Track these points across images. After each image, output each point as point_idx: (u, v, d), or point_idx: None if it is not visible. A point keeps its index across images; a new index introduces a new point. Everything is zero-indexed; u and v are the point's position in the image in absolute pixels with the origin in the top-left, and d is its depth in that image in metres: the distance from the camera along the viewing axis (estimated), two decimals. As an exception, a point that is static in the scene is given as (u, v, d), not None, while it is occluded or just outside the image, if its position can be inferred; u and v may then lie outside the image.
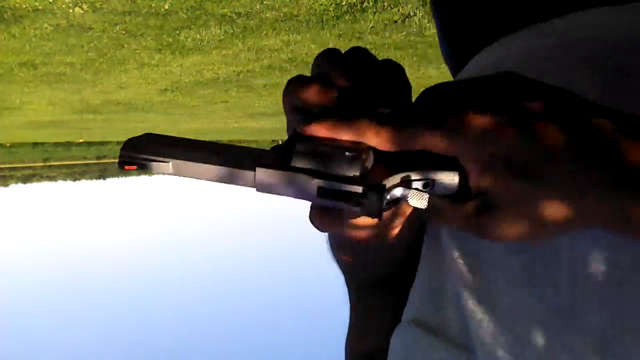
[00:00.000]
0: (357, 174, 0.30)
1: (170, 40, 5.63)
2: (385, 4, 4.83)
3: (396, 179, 0.31)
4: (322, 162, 0.30)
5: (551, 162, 0.26)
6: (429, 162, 0.30)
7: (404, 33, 5.52)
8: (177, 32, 5.37)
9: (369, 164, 0.31)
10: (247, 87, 8.82)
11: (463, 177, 0.30)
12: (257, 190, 0.32)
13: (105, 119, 13.43)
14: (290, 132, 0.35)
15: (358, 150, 0.30)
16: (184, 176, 0.34)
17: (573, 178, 0.26)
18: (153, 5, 4.67)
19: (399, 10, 4.97)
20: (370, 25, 5.31)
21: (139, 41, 5.67)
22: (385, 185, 0.30)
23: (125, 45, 5.83)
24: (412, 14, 5.01)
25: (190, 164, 0.33)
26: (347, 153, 0.30)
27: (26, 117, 12.67)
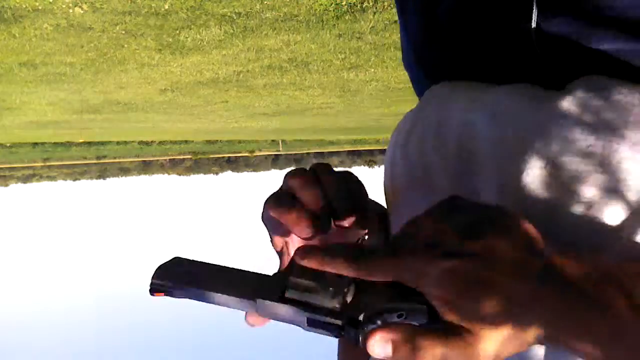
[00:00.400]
0: (338, 306, 0.36)
1: (170, 40, 5.63)
2: (385, 4, 4.83)
3: (374, 308, 0.35)
4: (310, 294, 0.37)
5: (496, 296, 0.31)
6: (403, 293, 0.35)
7: (404, 33, 5.52)
8: (177, 32, 5.37)
9: (350, 295, 0.37)
10: (247, 87, 8.82)
11: (431, 309, 0.34)
12: (260, 315, 0.39)
13: (105, 119, 13.43)
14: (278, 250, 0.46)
15: (341, 282, 0.36)
16: (205, 302, 0.41)
17: (521, 299, 0.31)
18: (153, 5, 4.67)
19: (399, 10, 4.97)
20: (370, 25, 5.31)
21: (139, 41, 5.67)
22: (359, 321, 0.35)
23: (125, 45, 5.83)
24: (412, 14, 5.01)
25: (208, 296, 0.40)
26: (330, 288, 0.36)
27: (26, 117, 12.67)
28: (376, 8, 4.91)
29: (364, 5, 4.87)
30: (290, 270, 0.38)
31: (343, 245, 0.39)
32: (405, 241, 0.36)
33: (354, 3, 4.85)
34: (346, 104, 11.53)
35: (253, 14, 4.93)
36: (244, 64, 6.88)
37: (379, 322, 0.35)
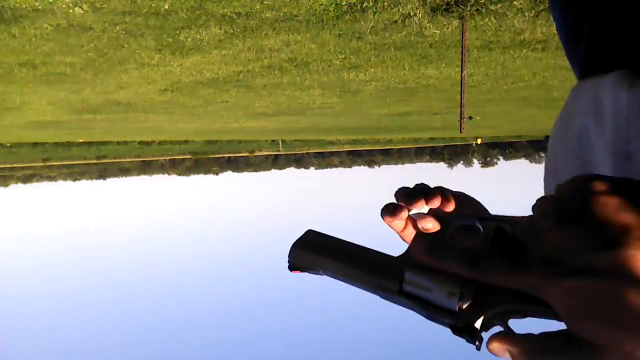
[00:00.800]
0: (455, 307, 0.36)
1: (170, 40, 5.62)
2: (385, 4, 4.83)
3: (493, 310, 0.35)
4: (427, 292, 0.38)
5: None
6: (523, 297, 0.34)
7: (404, 33, 5.52)
8: (177, 32, 5.37)
9: (468, 295, 0.36)
10: (247, 87, 8.82)
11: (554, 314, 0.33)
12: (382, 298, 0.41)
13: (105, 119, 13.43)
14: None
15: (459, 282, 0.36)
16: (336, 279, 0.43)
17: None
18: (153, 5, 4.67)
19: (399, 10, 4.97)
20: (370, 25, 5.30)
21: (139, 41, 5.67)
22: (475, 327, 0.35)
23: (125, 45, 5.83)
24: (412, 14, 5.00)
25: (340, 273, 0.42)
26: (447, 287, 0.36)
27: (26, 117, 12.67)
28: (376, 8, 4.91)
29: (364, 5, 4.86)
30: (408, 260, 0.40)
31: (459, 249, 0.38)
32: (529, 241, 0.35)
33: (354, 3, 4.85)
34: (346, 104, 11.53)
35: (253, 14, 4.93)
36: (244, 64, 6.88)
37: (499, 326, 0.35)
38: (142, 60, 6.54)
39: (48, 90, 8.68)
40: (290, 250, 0.45)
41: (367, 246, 0.44)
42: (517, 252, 0.35)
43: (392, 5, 4.87)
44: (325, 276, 0.44)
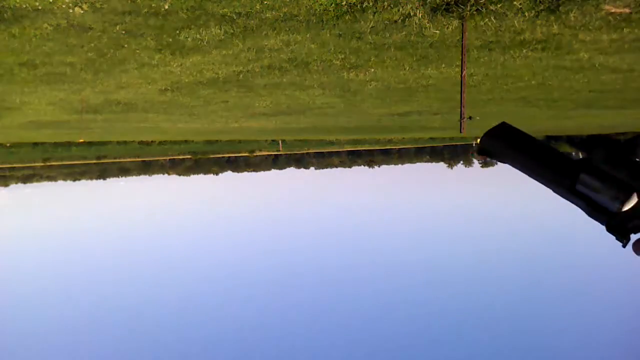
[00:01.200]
0: (614, 210, 0.45)
1: (170, 40, 5.62)
2: (385, 4, 4.82)
3: None
4: (596, 193, 0.46)
5: None
6: None
7: (404, 33, 5.52)
8: (177, 32, 5.36)
9: (631, 203, 0.45)
10: (247, 87, 8.81)
11: None
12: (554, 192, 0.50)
13: (105, 119, 13.42)
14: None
15: (626, 189, 0.45)
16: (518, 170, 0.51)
17: None
18: (153, 5, 4.67)
19: (399, 10, 4.97)
20: (370, 25, 5.30)
21: (139, 41, 5.66)
22: (627, 228, 0.45)
23: (125, 45, 5.83)
24: (412, 14, 5.00)
25: (522, 166, 0.51)
26: (612, 192, 0.45)
27: (26, 117, 12.66)
28: (376, 8, 4.90)
29: (364, 5, 4.86)
30: (585, 163, 0.48)
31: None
32: None
33: (354, 3, 4.84)
34: (346, 104, 11.52)
35: (253, 14, 4.93)
36: (244, 64, 6.87)
37: None
38: (142, 60, 6.53)
39: (48, 90, 8.68)
40: (483, 137, 0.53)
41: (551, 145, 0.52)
42: None
43: (392, 5, 4.86)
44: (511, 163, 0.52)
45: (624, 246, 0.45)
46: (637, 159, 0.50)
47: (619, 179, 0.46)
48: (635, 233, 0.46)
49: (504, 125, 0.53)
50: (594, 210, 0.47)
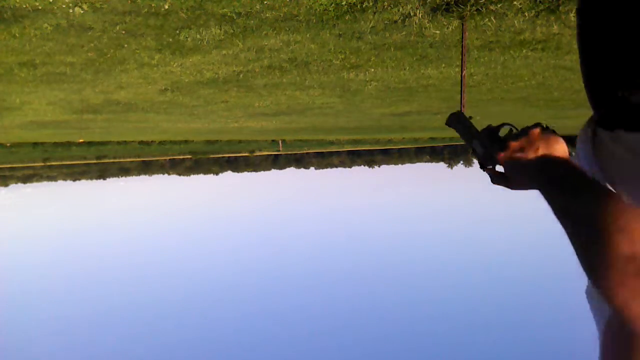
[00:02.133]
0: (481, 153, 1.04)
1: (170, 40, 5.62)
2: (385, 4, 4.82)
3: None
4: (476, 145, 1.04)
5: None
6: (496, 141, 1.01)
7: (404, 33, 5.52)
8: (177, 32, 5.36)
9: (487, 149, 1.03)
10: (247, 87, 8.82)
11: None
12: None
13: (105, 119, 13.43)
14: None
15: (485, 143, 1.03)
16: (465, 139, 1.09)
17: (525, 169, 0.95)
18: (153, 5, 4.67)
19: (399, 10, 4.97)
20: (370, 25, 5.30)
21: (139, 41, 5.66)
22: (492, 156, 1.03)
23: (125, 45, 5.83)
24: (412, 14, 5.00)
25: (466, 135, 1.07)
26: (484, 143, 1.02)
27: (26, 117, 12.67)
28: (376, 8, 4.90)
29: (364, 5, 4.86)
30: (479, 135, 1.03)
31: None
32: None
33: (354, 3, 4.84)
34: (346, 104, 11.53)
35: (253, 14, 4.93)
36: (244, 64, 6.88)
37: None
38: (142, 60, 6.53)
39: (48, 90, 8.68)
40: (450, 115, 1.06)
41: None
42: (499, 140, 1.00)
43: (392, 5, 4.86)
44: (461, 134, 1.05)
45: (484, 170, 1.04)
46: (500, 135, 1.00)
47: (486, 142, 1.00)
48: (491, 165, 1.01)
49: (459, 114, 1.05)
50: (475, 154, 1.02)
